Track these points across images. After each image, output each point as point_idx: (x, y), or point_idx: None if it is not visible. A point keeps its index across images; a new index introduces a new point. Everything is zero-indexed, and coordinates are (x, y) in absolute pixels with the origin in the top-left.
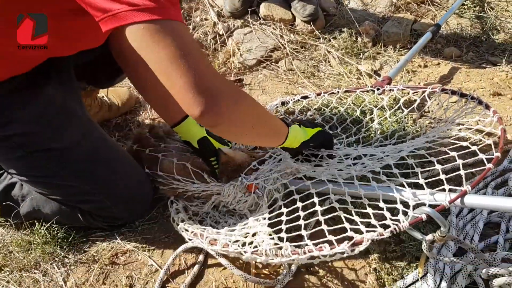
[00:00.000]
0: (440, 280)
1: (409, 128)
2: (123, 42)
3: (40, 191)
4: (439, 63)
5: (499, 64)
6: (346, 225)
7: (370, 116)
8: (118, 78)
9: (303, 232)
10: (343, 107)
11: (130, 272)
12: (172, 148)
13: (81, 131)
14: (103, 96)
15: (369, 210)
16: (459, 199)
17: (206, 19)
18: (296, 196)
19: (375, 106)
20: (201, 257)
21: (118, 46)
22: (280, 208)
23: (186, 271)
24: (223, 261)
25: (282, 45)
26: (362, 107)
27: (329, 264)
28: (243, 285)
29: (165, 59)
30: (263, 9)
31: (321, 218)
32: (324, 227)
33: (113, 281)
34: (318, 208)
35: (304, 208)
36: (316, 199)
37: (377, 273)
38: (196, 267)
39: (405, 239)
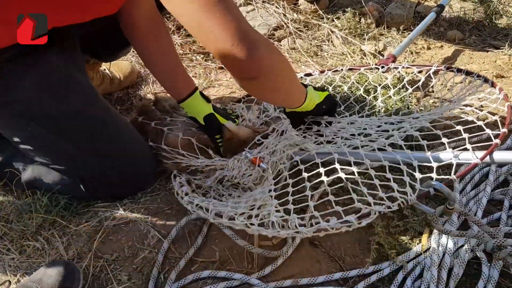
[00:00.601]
0: (443, 255)
1: (413, 106)
2: (137, 9)
3: (41, 160)
4: (442, 46)
5: (501, 48)
6: (354, 196)
7: (374, 95)
8: (122, 52)
9: (310, 203)
10: (346, 85)
11: (133, 242)
12: (178, 123)
13: (83, 100)
14: (105, 69)
15: (376, 182)
16: (488, 156)
17: None
18: (302, 167)
19: (379, 85)
20: (204, 228)
21: (130, 15)
22: (285, 179)
23: (189, 241)
24: (227, 231)
25: (285, 23)
26: (366, 85)
27: (332, 237)
28: (247, 256)
29: (198, 9)
30: None
31: (328, 189)
32: (331, 197)
33: (115, 250)
34: (324, 178)
35: (310, 179)
36: (322, 169)
37: (380, 247)
38: (200, 238)
39: (408, 214)
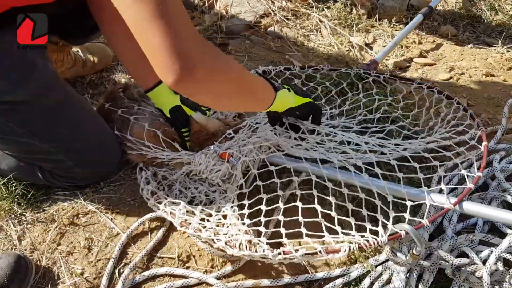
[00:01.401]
0: None
1: (395, 104)
2: None
3: None
4: (434, 41)
5: (494, 45)
6: (323, 222)
7: (357, 91)
8: (93, 35)
9: (282, 230)
10: (328, 81)
11: (90, 234)
12: (145, 112)
13: (41, 84)
14: (78, 51)
15: (348, 205)
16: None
17: None
18: (272, 168)
19: (360, 81)
20: (167, 223)
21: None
22: (255, 179)
23: (149, 235)
24: (189, 231)
25: (273, 11)
26: (348, 81)
27: (300, 237)
28: (207, 254)
29: (143, 17)
30: None
31: (300, 205)
32: (301, 218)
33: (71, 242)
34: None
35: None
36: (295, 179)
37: (349, 246)
38: (160, 232)
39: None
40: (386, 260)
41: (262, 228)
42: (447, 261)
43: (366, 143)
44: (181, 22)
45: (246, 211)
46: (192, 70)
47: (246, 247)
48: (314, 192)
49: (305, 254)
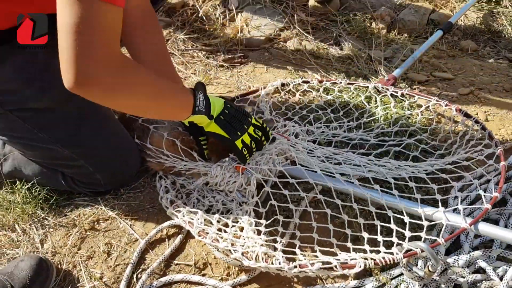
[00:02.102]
0: None
1: (413, 118)
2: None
3: (20, 152)
4: (454, 56)
5: None
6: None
7: (375, 105)
8: None
9: (297, 249)
10: (346, 94)
11: (110, 240)
12: (165, 121)
13: (63, 92)
14: None
15: (360, 220)
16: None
17: None
18: (291, 181)
19: (378, 95)
20: (184, 230)
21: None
22: (269, 196)
23: (167, 242)
24: (207, 241)
25: (292, 24)
26: (366, 94)
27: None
28: (223, 262)
29: (65, 25)
30: None
31: (312, 212)
32: (314, 224)
33: (91, 247)
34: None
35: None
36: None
37: (364, 262)
38: (178, 240)
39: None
40: (401, 274)
41: (278, 238)
42: (463, 276)
43: (385, 167)
44: (98, 40)
45: (262, 228)
46: (84, 88)
47: (263, 259)
48: (327, 211)
49: (321, 268)
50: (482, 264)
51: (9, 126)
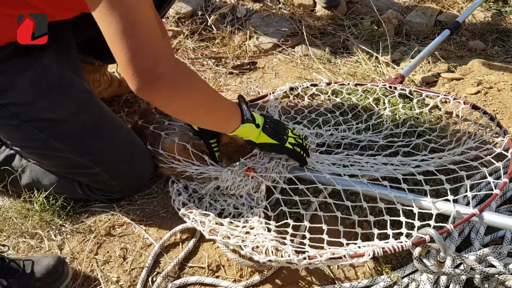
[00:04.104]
0: None
1: (421, 117)
2: None
3: (37, 162)
4: (462, 56)
5: None
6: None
7: (383, 106)
8: None
9: (306, 239)
10: (354, 96)
11: (125, 244)
12: (175, 127)
13: (77, 102)
14: (113, 72)
15: (370, 218)
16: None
17: (225, 2)
18: (301, 186)
19: (386, 96)
20: (197, 234)
21: None
22: (279, 201)
23: (180, 245)
24: (219, 243)
25: (300, 30)
26: (374, 96)
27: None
28: (236, 264)
29: (114, 33)
30: None
31: (322, 215)
32: (324, 226)
33: (108, 251)
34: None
35: (303, 202)
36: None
37: (375, 261)
38: (191, 243)
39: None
40: (412, 272)
41: (288, 236)
42: (475, 269)
43: (392, 164)
44: (148, 40)
45: (273, 226)
46: (152, 86)
47: (272, 252)
48: (335, 212)
49: (330, 258)
50: (493, 261)
51: (26, 137)
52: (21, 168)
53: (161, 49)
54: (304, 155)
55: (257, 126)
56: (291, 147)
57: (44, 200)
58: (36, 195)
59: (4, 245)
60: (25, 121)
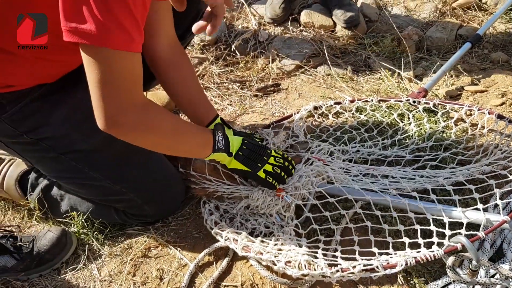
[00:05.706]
0: (475, 284)
1: (447, 130)
2: (157, 42)
3: (74, 191)
4: (485, 68)
5: None
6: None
7: (408, 121)
8: (151, 84)
9: (337, 252)
10: (378, 113)
11: (161, 265)
12: None
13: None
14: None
15: (400, 228)
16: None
17: (247, 28)
18: (331, 200)
19: (410, 111)
20: (230, 253)
21: (151, 48)
22: (310, 220)
23: (214, 264)
24: (252, 261)
25: (321, 51)
26: (399, 112)
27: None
28: (270, 282)
29: (93, 81)
30: (303, 16)
31: (352, 227)
32: (355, 237)
33: (145, 273)
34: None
35: (333, 218)
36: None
37: (408, 275)
38: (225, 262)
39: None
40: (445, 285)
41: (320, 244)
42: (509, 279)
43: (422, 176)
44: (117, 91)
45: (304, 242)
46: (113, 129)
47: (305, 266)
48: (368, 223)
49: (363, 270)
50: None
51: (63, 168)
52: (60, 197)
53: (128, 100)
54: (274, 182)
55: (230, 154)
56: (263, 175)
57: (83, 222)
58: (75, 217)
59: (17, 226)
60: (61, 153)
